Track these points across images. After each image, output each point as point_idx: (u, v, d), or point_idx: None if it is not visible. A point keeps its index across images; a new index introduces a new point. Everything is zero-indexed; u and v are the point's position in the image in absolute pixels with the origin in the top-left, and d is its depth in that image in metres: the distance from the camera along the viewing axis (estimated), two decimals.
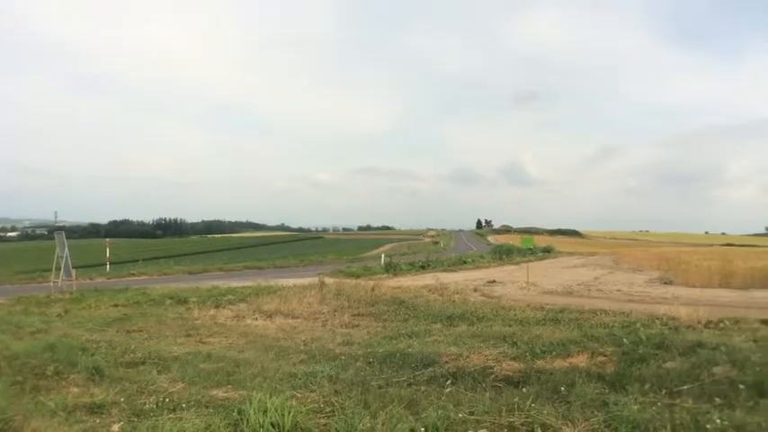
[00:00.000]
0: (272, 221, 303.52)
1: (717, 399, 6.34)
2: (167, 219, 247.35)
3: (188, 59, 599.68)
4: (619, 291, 24.52)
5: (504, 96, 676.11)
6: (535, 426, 5.52)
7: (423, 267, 39.12)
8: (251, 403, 5.93)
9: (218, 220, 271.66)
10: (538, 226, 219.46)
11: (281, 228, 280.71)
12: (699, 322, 12.27)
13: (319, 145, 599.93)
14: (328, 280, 23.09)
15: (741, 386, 6.67)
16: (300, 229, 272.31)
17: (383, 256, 46.20)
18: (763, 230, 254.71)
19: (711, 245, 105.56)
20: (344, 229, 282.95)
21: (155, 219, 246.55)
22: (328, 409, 6.31)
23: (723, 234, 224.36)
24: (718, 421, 5.36)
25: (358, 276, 31.12)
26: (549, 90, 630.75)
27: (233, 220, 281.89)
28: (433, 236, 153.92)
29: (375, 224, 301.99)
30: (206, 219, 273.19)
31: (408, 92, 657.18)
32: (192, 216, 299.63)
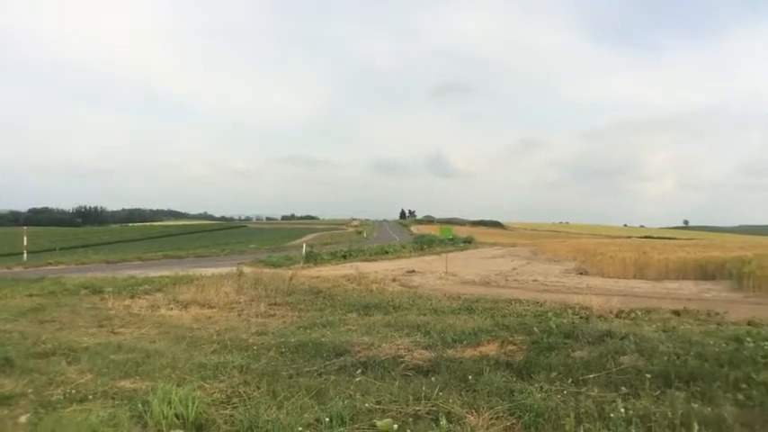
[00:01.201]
0: (194, 210, 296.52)
1: (623, 388, 6.61)
2: (87, 207, 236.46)
3: (109, 45, 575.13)
4: (535, 281, 25.36)
5: (428, 88, 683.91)
6: (440, 414, 5.61)
7: (344, 257, 39.90)
8: (155, 394, 5.90)
9: (140, 209, 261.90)
10: (460, 217, 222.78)
11: (204, 216, 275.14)
12: (610, 312, 12.80)
13: (244, 133, 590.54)
14: (247, 269, 23.26)
15: (648, 375, 6.96)
16: (223, 218, 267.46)
17: (305, 245, 46.37)
18: (681, 223, 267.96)
19: (629, 237, 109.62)
20: (268, 219, 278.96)
21: (75, 207, 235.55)
22: (235, 400, 6.37)
23: (642, 227, 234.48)
24: (623, 410, 5.59)
25: (278, 266, 31.42)
26: (473, 82, 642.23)
27: (154, 209, 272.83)
28: (356, 226, 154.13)
29: (299, 213, 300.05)
30: (127, 207, 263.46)
31: (333, 81, 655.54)
32: (113, 204, 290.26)
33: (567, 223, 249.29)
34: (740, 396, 6.16)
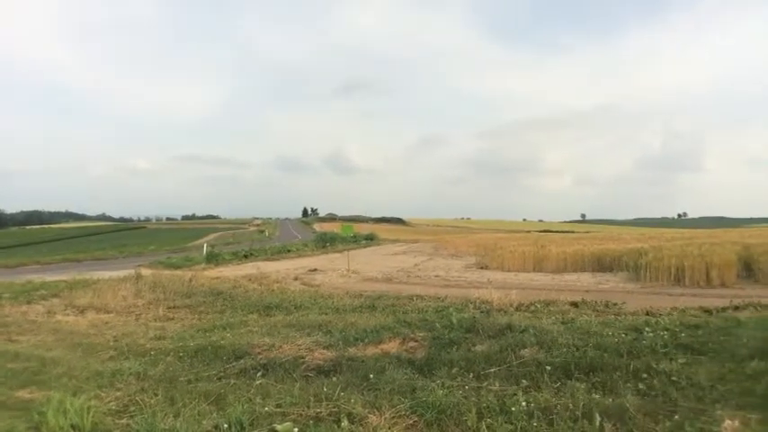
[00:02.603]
0: (93, 211, 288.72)
1: (524, 381, 6.66)
2: None
3: (3, 42, 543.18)
4: (437, 276, 25.77)
5: (332, 84, 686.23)
6: (342, 415, 5.52)
7: (246, 257, 39.79)
8: (50, 405, 5.64)
9: (38, 211, 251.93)
10: (363, 214, 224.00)
11: (103, 218, 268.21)
12: (510, 305, 13.05)
13: (142, 131, 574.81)
14: (146, 272, 22.91)
15: (548, 368, 7.06)
16: (122, 219, 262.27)
17: (205, 245, 46.18)
18: (578, 217, 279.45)
19: (529, 231, 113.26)
20: (168, 219, 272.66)
21: None
22: (132, 408, 6.20)
23: (541, 221, 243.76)
24: (524, 404, 5.59)
25: (178, 267, 31.11)
26: (376, 80, 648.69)
27: (52, 211, 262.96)
28: (258, 225, 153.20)
29: (200, 213, 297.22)
30: (25, 209, 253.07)
31: (235, 78, 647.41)
32: (11, 206, 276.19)
33: (469, 219, 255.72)
34: (641, 386, 6.28)
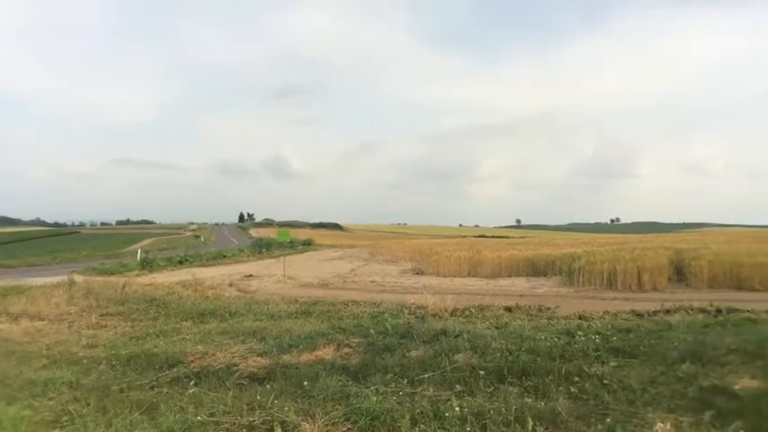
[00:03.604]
0: (27, 216, 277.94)
1: (458, 386, 6.71)
2: None
3: None
4: (373, 282, 25.87)
5: (270, 88, 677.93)
6: (275, 423, 5.49)
7: (180, 262, 39.31)
8: None
9: None
10: (300, 219, 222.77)
11: (37, 222, 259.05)
12: (445, 311, 13.14)
13: (78, 135, 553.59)
14: (79, 278, 22.33)
15: (482, 372, 7.14)
16: (57, 224, 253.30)
17: (139, 251, 45.21)
18: (514, 223, 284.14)
19: (465, 236, 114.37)
20: (103, 224, 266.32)
21: None
22: (65, 418, 6.12)
23: (477, 226, 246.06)
24: (458, 409, 5.63)
25: (112, 273, 30.54)
26: (315, 84, 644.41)
27: None
28: (194, 230, 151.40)
29: (135, 218, 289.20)
30: None
31: (173, 80, 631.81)
32: None
33: (406, 224, 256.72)
34: (573, 389, 6.41)
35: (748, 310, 12.35)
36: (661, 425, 4.92)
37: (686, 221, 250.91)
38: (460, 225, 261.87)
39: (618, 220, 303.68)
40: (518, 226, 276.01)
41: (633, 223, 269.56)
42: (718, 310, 12.58)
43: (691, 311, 12.76)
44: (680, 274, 24.04)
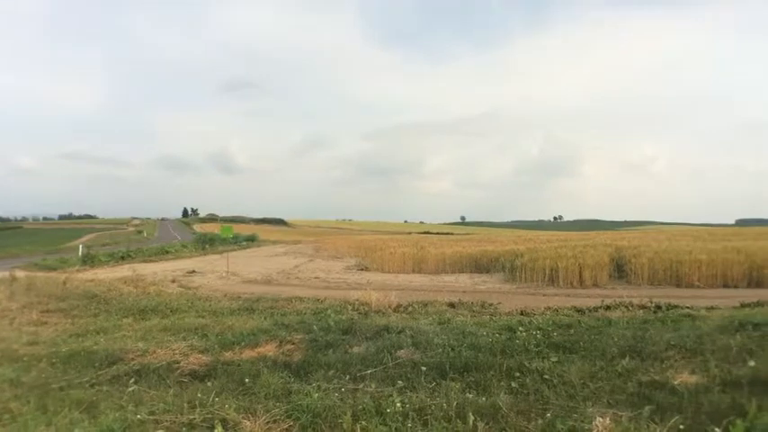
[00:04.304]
0: None
1: (400, 382, 6.71)
2: None
3: None
4: (317, 278, 25.87)
5: (217, 83, 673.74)
6: (216, 421, 5.44)
7: (123, 258, 38.97)
8: None
9: None
10: (245, 215, 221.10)
11: None
12: (389, 307, 13.20)
13: (20, 128, 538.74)
14: (20, 274, 21.99)
15: (423, 368, 7.17)
16: None
17: (81, 246, 44.36)
18: (459, 219, 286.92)
19: (410, 233, 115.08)
20: (45, 219, 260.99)
21: None
22: (6, 416, 6.03)
23: (422, 223, 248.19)
24: (399, 405, 5.63)
25: (53, 269, 30.20)
26: (262, 79, 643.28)
27: None
28: (137, 225, 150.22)
29: (78, 212, 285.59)
30: None
31: (119, 75, 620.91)
32: None
33: (351, 220, 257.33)
34: (514, 384, 6.47)
35: (688, 307, 12.72)
36: (600, 419, 4.99)
37: (628, 219, 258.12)
38: (406, 221, 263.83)
39: (561, 217, 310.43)
40: (463, 223, 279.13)
41: (576, 221, 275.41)
42: (658, 307, 12.81)
43: (631, 308, 12.97)
44: (621, 271, 24.60)
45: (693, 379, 6.42)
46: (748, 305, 12.86)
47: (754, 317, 9.17)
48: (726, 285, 21.69)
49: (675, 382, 6.27)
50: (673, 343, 8.10)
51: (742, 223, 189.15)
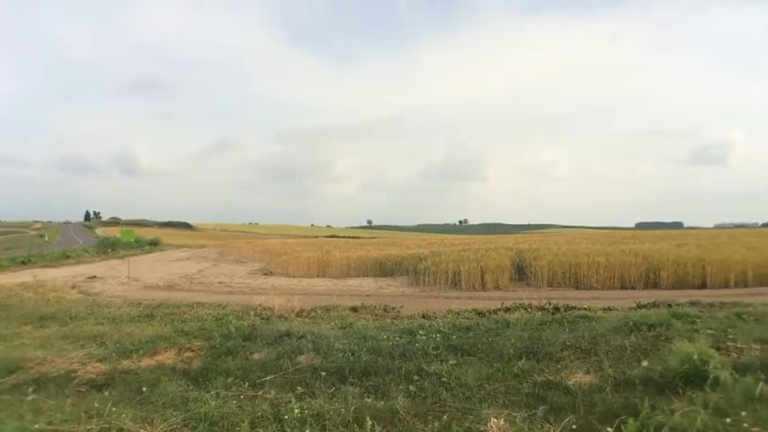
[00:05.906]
0: None
1: (299, 387, 6.72)
2: None
3: None
4: (221, 283, 25.62)
5: (122, 83, 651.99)
6: (112, 431, 5.38)
7: (24, 263, 37.37)
8: None
9: None
10: (149, 218, 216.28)
11: None
12: (292, 311, 13.17)
13: None
14: None
15: (323, 373, 7.20)
16: None
17: None
18: (365, 223, 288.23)
19: (316, 236, 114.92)
20: None
21: None
22: None
23: (328, 226, 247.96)
24: (298, 410, 5.65)
25: None
26: (169, 80, 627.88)
27: None
28: (38, 228, 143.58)
29: None
30: None
31: (19, 73, 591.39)
32: None
33: (257, 224, 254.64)
34: (412, 388, 6.58)
35: (585, 308, 13.07)
36: (495, 420, 5.14)
37: (531, 223, 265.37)
38: (312, 225, 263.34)
39: (466, 221, 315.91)
40: (369, 226, 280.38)
41: (480, 224, 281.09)
42: (556, 308, 13.12)
43: (530, 309, 13.28)
44: (521, 273, 25.37)
45: (587, 379, 6.66)
46: (644, 306, 13.31)
47: (650, 318, 9.53)
48: (623, 287, 22.73)
49: (570, 383, 6.50)
50: (568, 344, 8.37)
51: (641, 227, 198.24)
